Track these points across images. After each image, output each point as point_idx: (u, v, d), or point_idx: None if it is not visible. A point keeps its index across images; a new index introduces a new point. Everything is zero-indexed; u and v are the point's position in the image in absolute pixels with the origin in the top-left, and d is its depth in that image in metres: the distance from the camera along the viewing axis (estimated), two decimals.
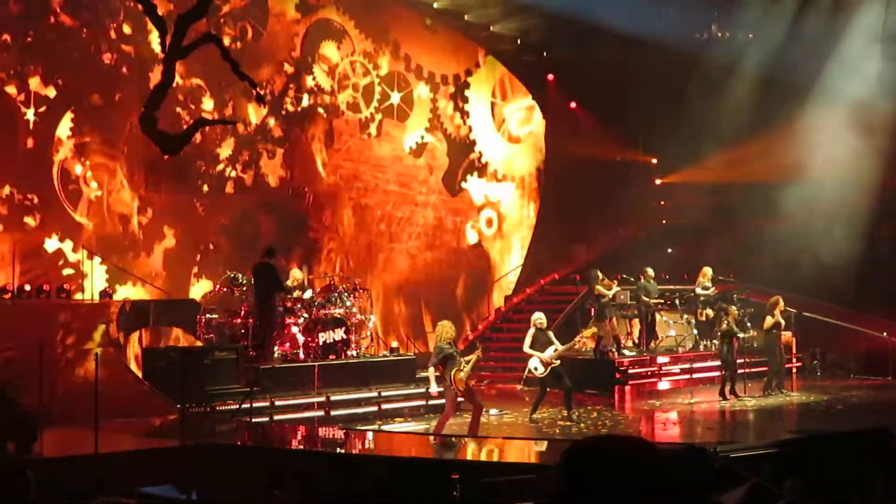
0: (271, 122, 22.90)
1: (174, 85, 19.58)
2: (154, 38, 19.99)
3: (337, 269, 22.56)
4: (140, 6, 15.55)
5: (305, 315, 18.91)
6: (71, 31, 19.85)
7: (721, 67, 25.18)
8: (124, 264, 20.34)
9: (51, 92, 19.47)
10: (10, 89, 19.06)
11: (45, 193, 19.44)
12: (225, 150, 22.05)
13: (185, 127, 18.24)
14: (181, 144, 16.14)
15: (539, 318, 18.09)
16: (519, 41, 27.30)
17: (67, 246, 19.60)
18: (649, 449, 2.73)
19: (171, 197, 21.22)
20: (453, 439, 14.77)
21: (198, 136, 20.71)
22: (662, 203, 29.48)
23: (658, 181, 29.45)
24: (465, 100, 26.80)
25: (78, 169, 19.95)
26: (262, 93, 18.22)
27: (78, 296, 18.85)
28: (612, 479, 2.64)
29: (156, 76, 19.91)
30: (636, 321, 23.46)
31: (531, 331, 17.90)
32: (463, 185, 26.86)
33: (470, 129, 26.96)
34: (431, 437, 15.47)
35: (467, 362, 15.51)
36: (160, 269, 21.01)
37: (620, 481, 2.64)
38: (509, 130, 28.02)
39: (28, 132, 19.27)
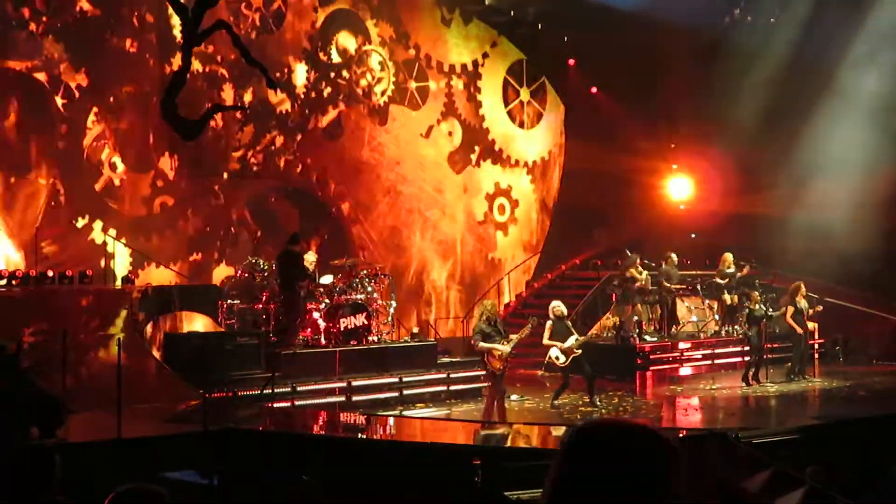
0: (290, 107, 22.90)
1: (197, 72, 19.92)
2: (176, 25, 20.21)
3: (361, 256, 22.47)
4: None
5: (327, 300, 18.94)
6: (95, 20, 19.98)
7: (744, 51, 25.05)
8: (147, 249, 20.46)
9: (78, 79, 19.71)
10: (40, 76, 19.28)
11: (71, 179, 19.60)
12: (246, 136, 22.09)
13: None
14: (199, 130, 16.26)
15: (557, 306, 17.88)
16: (540, 25, 27.18)
17: (91, 231, 19.74)
18: (656, 436, 2.65)
19: (193, 182, 21.30)
20: (474, 425, 14.78)
21: (219, 122, 20.90)
22: (683, 188, 29.28)
23: (676, 166, 29.27)
24: (479, 90, 26.66)
25: (104, 154, 20.12)
26: (273, 78, 18.26)
27: (101, 281, 18.93)
28: (616, 464, 2.56)
29: (177, 63, 20.16)
30: (657, 307, 23.39)
31: (549, 322, 17.60)
32: (476, 169, 26.70)
33: (483, 116, 26.84)
34: (453, 423, 15.48)
35: (508, 341, 15.44)
36: (182, 254, 21.10)
37: (624, 467, 2.56)
38: (525, 115, 27.86)
39: (57, 118, 19.46)
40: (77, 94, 19.70)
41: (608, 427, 2.62)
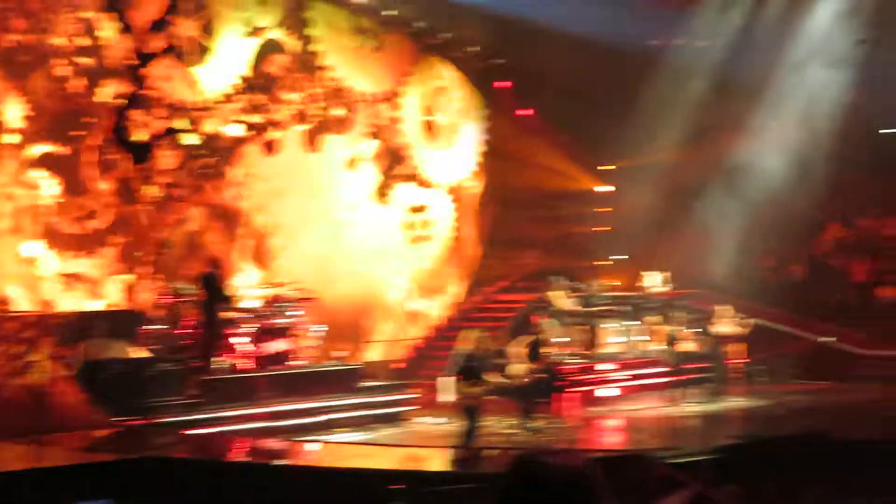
0: (224, 133, 22.72)
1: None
2: (113, 47, 20.12)
3: (284, 279, 22.25)
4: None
5: (251, 325, 18.79)
6: (30, 47, 19.72)
7: (675, 72, 25.40)
8: (73, 273, 20.20)
9: (14, 103, 19.52)
10: None
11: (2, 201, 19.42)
12: (178, 159, 21.85)
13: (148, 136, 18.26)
14: (147, 154, 16.42)
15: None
16: (473, 49, 27.24)
17: (17, 254, 19.45)
18: (591, 468, 2.69)
19: (124, 205, 21.06)
20: (396, 449, 14.75)
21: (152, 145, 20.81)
22: (611, 209, 29.50)
23: (608, 188, 29.49)
24: (399, 111, 26.32)
25: (37, 177, 19.88)
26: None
27: (23, 306, 18.65)
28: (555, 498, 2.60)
29: (112, 88, 20.01)
30: (581, 328, 23.48)
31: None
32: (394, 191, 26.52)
33: (406, 140, 26.51)
34: (376, 447, 15.41)
35: (479, 384, 14.47)
36: (108, 279, 20.84)
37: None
38: (448, 136, 27.78)
39: None
40: (13, 119, 19.50)
41: (538, 464, 2.66)
